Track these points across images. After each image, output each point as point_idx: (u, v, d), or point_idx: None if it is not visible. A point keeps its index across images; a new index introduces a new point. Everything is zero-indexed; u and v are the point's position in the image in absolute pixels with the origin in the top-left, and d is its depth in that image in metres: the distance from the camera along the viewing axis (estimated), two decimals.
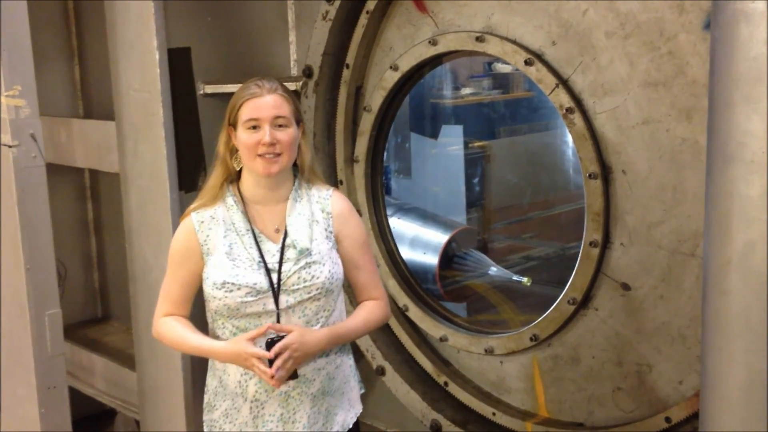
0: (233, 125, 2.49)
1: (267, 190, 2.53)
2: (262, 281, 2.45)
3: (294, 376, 2.45)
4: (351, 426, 2.64)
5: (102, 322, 5.07)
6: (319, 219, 2.55)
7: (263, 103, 2.43)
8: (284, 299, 2.46)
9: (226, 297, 2.44)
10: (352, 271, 2.61)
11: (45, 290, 3.46)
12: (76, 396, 4.12)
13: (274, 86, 2.47)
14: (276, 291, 2.45)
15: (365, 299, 2.64)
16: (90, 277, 5.08)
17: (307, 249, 2.48)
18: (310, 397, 2.52)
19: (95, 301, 5.11)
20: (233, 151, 2.53)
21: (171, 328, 2.56)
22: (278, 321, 2.47)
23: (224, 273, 2.45)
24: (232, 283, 2.44)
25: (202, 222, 2.51)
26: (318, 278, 2.47)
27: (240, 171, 2.56)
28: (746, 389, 1.98)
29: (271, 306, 2.46)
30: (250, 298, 2.44)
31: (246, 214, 2.52)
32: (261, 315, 2.46)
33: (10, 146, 3.32)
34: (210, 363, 2.63)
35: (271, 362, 2.38)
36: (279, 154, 2.44)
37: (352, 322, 2.59)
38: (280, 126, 2.45)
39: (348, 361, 2.66)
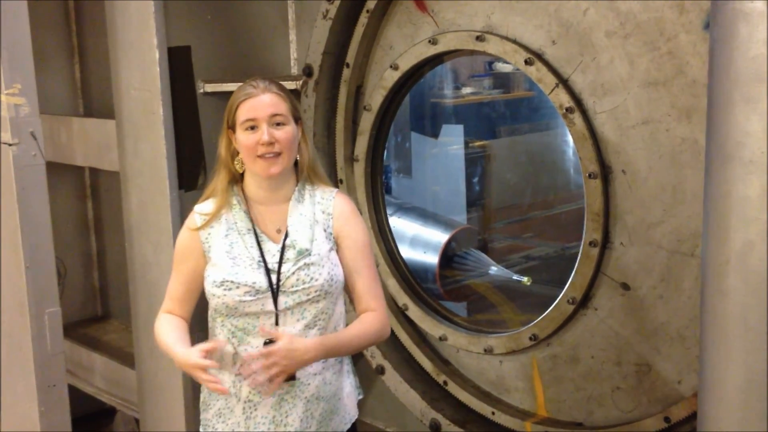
0: (232, 128, 2.49)
1: (269, 191, 2.52)
2: (261, 281, 2.44)
3: (291, 378, 2.42)
4: None
5: (102, 320, 5.07)
6: (319, 219, 2.53)
7: (259, 103, 2.43)
8: (283, 300, 2.45)
9: (224, 295, 2.44)
10: (351, 276, 2.54)
11: (45, 289, 3.46)
12: (75, 394, 4.12)
13: (268, 85, 2.47)
14: (275, 292, 2.44)
15: (363, 309, 2.55)
16: (90, 276, 5.09)
17: (307, 250, 2.46)
18: (303, 401, 2.48)
19: (95, 300, 5.12)
20: (235, 154, 2.52)
21: (160, 325, 2.56)
22: (277, 322, 2.45)
23: (224, 271, 2.45)
24: (231, 281, 2.43)
25: (205, 220, 2.53)
26: (317, 280, 2.44)
27: (243, 172, 2.55)
28: (745, 389, 1.98)
29: (270, 307, 2.44)
30: (248, 298, 2.43)
31: (248, 214, 2.51)
32: (259, 315, 2.45)
33: (10, 144, 3.32)
34: None
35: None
36: (279, 154, 2.43)
37: (346, 336, 2.48)
38: (278, 124, 2.44)
39: (345, 367, 2.62)
